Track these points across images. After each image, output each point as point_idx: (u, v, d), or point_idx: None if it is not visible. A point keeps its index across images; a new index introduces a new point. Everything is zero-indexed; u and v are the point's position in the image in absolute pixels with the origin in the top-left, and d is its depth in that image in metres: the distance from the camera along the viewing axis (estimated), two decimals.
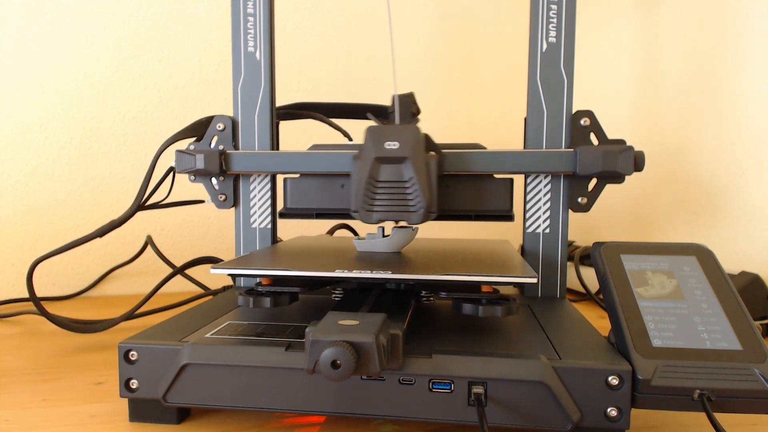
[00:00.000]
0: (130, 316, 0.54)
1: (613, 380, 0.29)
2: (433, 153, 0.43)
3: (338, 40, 0.86)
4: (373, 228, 0.86)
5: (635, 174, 0.82)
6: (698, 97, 0.72)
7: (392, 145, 0.41)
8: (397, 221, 0.43)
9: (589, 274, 0.70)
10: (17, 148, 0.75)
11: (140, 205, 0.52)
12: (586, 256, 0.74)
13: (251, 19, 0.51)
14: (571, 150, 0.46)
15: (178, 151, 0.49)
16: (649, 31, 0.80)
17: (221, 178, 0.52)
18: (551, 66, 0.47)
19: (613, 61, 0.86)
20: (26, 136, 0.75)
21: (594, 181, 0.47)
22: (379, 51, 0.88)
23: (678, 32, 0.75)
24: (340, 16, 0.86)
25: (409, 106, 0.48)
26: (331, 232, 0.72)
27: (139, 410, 0.35)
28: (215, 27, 0.81)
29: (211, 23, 0.81)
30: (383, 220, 0.42)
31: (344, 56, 0.87)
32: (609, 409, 0.30)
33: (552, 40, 0.47)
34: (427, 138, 0.44)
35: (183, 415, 0.35)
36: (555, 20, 0.47)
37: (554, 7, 0.47)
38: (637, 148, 0.81)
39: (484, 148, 0.47)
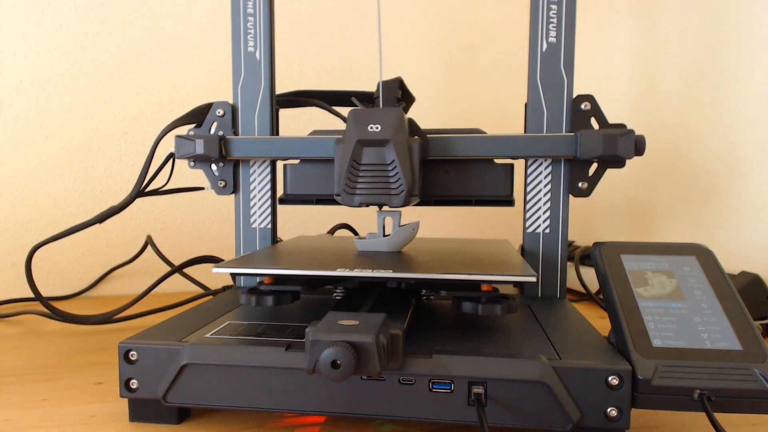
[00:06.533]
0: (114, 315, 0.54)
1: (613, 380, 0.29)
2: (416, 137, 0.43)
3: (338, 40, 0.86)
4: (374, 228, 0.86)
5: (636, 174, 0.82)
6: (698, 97, 0.72)
7: (374, 128, 0.41)
8: (380, 206, 0.43)
9: (589, 274, 0.70)
10: (17, 148, 0.75)
11: (140, 191, 0.52)
12: (586, 256, 0.74)
13: (251, 19, 0.51)
14: (572, 134, 0.45)
15: (178, 137, 0.49)
16: (649, 31, 0.80)
17: (221, 164, 0.52)
18: (551, 66, 0.47)
19: (612, 61, 0.86)
20: (26, 135, 0.75)
21: (595, 165, 0.47)
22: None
23: (678, 32, 0.75)
24: (340, 15, 0.86)
25: (393, 90, 0.48)
26: (332, 232, 0.72)
27: (139, 410, 0.35)
28: (215, 27, 0.81)
29: (211, 23, 0.81)
30: (365, 204, 0.42)
31: (344, 56, 0.87)
32: (609, 409, 0.30)
33: (552, 40, 0.47)
34: (410, 122, 0.44)
35: (183, 415, 0.35)
36: (555, 20, 0.47)
37: (554, 7, 0.47)
38: None
39: (485, 133, 0.47)
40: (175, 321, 0.39)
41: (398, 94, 0.48)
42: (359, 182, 0.42)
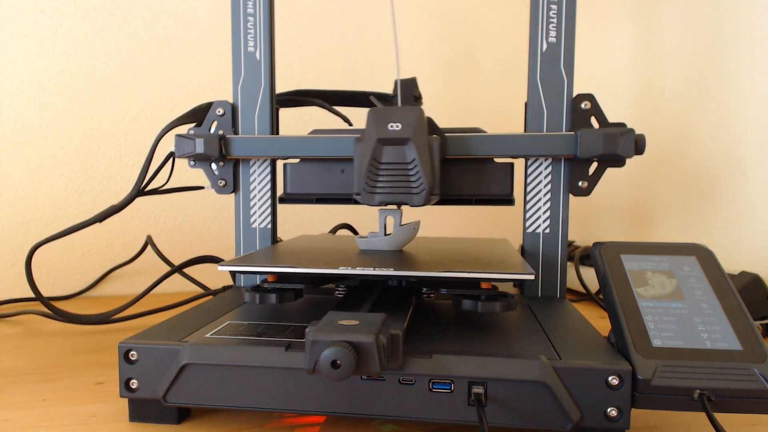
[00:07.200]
0: (114, 315, 0.54)
1: (613, 380, 0.29)
2: (435, 135, 0.43)
3: (338, 40, 0.86)
4: (375, 227, 0.86)
5: (636, 174, 0.82)
6: (698, 97, 0.72)
7: (395, 127, 0.41)
8: (399, 204, 0.43)
9: (589, 274, 0.70)
10: (17, 148, 0.75)
11: (140, 190, 0.52)
12: (586, 256, 0.74)
13: (251, 19, 0.51)
14: (572, 133, 0.45)
15: (178, 136, 0.49)
16: (649, 31, 0.80)
17: (221, 164, 0.52)
18: (551, 66, 0.47)
19: (612, 60, 0.86)
20: (26, 135, 0.75)
21: (595, 164, 0.47)
22: (379, 51, 0.88)
23: (678, 32, 0.75)
24: (340, 15, 0.86)
25: (411, 89, 0.48)
26: (333, 232, 0.72)
27: (139, 410, 0.35)
28: (215, 27, 0.81)
29: (211, 23, 0.81)
30: (385, 203, 0.42)
31: (344, 56, 0.87)
32: (609, 409, 0.30)
33: (552, 40, 0.47)
34: (429, 120, 0.44)
35: (183, 415, 0.35)
36: (555, 20, 0.47)
37: (554, 7, 0.47)
38: None
39: (485, 132, 0.47)
40: (175, 321, 0.39)
41: (416, 92, 0.48)
42: (379, 181, 0.42)
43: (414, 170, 0.41)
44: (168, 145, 0.78)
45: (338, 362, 0.27)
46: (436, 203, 0.49)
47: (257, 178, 0.52)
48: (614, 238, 0.85)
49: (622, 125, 0.46)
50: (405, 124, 0.41)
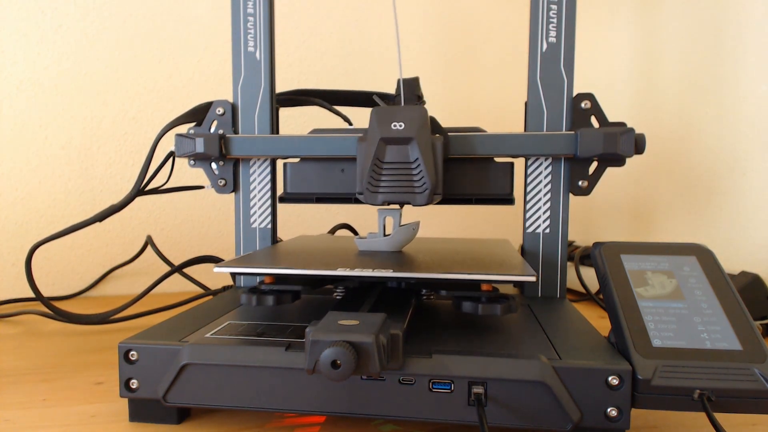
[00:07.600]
0: (114, 315, 0.54)
1: (613, 380, 0.29)
2: (438, 135, 0.43)
3: (338, 40, 0.86)
4: (374, 227, 0.87)
5: (636, 173, 0.82)
6: (698, 97, 0.72)
7: (398, 126, 0.41)
8: (401, 204, 0.43)
9: (589, 274, 0.70)
10: (17, 148, 0.75)
11: (140, 189, 0.52)
12: (586, 256, 0.74)
13: (251, 19, 0.51)
14: (572, 132, 0.45)
15: (178, 135, 0.49)
16: (649, 31, 0.80)
17: (221, 163, 0.52)
18: (551, 66, 0.47)
19: (612, 60, 0.86)
20: (26, 135, 0.75)
21: (595, 164, 0.47)
22: (379, 51, 0.88)
23: (678, 32, 0.75)
24: (340, 16, 0.86)
25: (414, 89, 0.48)
26: (332, 232, 0.72)
27: (139, 410, 0.35)
28: (215, 27, 0.81)
29: (211, 23, 0.81)
30: (388, 202, 0.42)
31: (344, 56, 0.87)
32: (609, 409, 0.30)
33: (552, 40, 0.47)
34: (432, 120, 0.44)
35: (183, 415, 0.35)
36: (555, 20, 0.47)
37: (554, 7, 0.47)
38: None
39: (485, 131, 0.47)
40: (175, 321, 0.39)
41: (419, 92, 0.48)
42: (382, 180, 0.42)
43: (417, 170, 0.41)
44: (168, 144, 0.78)
45: (338, 362, 0.27)
46: (437, 203, 0.49)
47: (257, 178, 0.52)
48: (614, 238, 0.85)
49: (622, 125, 0.46)
50: (408, 123, 0.41)
